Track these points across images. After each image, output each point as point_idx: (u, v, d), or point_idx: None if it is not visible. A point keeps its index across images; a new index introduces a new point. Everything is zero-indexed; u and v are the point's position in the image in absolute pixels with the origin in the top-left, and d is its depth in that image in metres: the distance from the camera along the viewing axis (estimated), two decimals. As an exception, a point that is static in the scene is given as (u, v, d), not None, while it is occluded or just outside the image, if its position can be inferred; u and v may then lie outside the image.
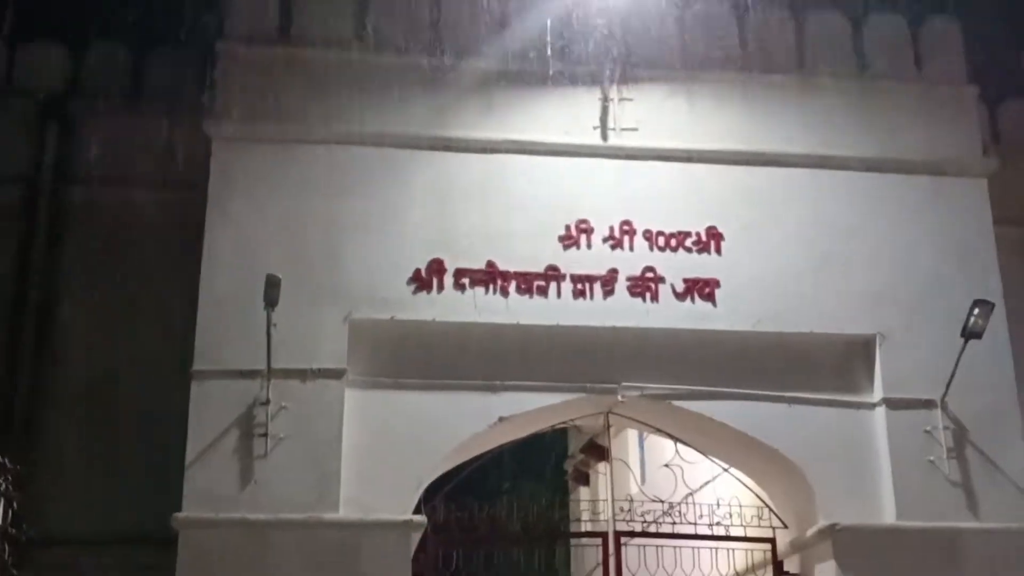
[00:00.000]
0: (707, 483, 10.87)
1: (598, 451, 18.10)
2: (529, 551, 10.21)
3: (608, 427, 10.22)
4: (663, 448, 12.33)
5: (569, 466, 19.30)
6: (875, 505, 9.56)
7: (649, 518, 10.07)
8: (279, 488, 8.97)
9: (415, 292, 9.59)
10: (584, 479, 18.17)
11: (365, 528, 8.97)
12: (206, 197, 9.59)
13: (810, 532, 9.62)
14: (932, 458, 9.56)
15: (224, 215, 9.56)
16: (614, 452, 15.16)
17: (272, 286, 8.65)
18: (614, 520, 9.96)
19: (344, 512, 9.00)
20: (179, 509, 8.82)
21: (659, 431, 10.37)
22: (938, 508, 9.45)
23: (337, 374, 9.29)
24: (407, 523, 9.07)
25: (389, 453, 9.27)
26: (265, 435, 9.04)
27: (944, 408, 9.66)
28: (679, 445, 10.37)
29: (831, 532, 9.37)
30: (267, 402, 9.11)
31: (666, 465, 10.34)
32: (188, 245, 9.54)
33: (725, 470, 10.45)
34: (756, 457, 10.04)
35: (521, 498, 10.09)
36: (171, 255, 10.03)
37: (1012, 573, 9.32)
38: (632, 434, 14.97)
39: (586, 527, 10.35)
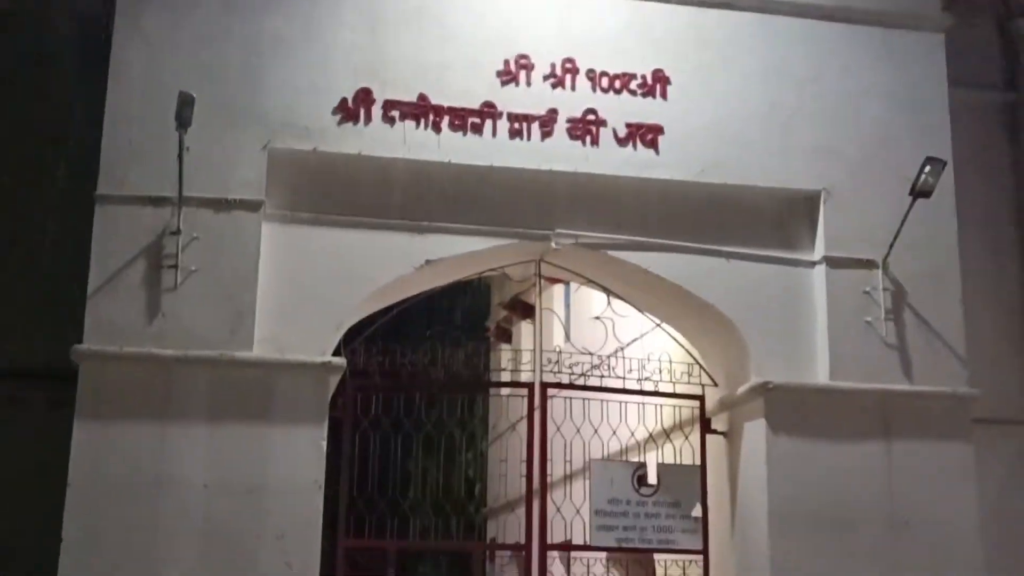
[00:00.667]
0: (637, 339, 10.57)
1: (522, 308, 17.83)
2: (452, 400, 9.85)
3: (539, 276, 9.77)
4: (592, 304, 12.01)
5: (492, 323, 19.01)
6: (808, 365, 9.32)
7: (577, 371, 9.74)
8: (189, 323, 8.43)
9: (340, 123, 8.95)
10: (506, 337, 17.89)
11: (280, 368, 8.50)
12: (114, 8, 8.80)
13: (741, 390, 9.39)
14: (869, 319, 9.32)
15: (135, 28, 8.78)
16: (539, 308, 14.97)
17: (185, 104, 7.95)
18: (540, 371, 9.61)
19: (258, 351, 8.50)
20: (80, 341, 8.25)
21: (591, 283, 9.97)
22: (872, 370, 9.25)
23: (254, 206, 8.67)
24: (325, 365, 8.61)
25: (308, 292, 8.76)
26: (175, 267, 8.44)
27: (885, 269, 9.39)
28: (611, 298, 10.00)
29: (763, 390, 9.14)
30: (177, 232, 8.48)
31: (597, 318, 9.98)
32: (93, 59, 8.75)
33: (657, 325, 10.13)
34: (690, 312, 9.73)
35: (445, 346, 9.61)
36: (74, 69, 9.23)
37: (942, 436, 9.21)
38: (558, 291, 14.62)
39: (512, 378, 10.03)
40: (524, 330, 17.14)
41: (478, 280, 21.73)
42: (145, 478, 8.16)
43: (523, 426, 9.66)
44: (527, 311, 17.77)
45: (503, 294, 18.98)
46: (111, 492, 8.09)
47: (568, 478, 9.58)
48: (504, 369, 10.26)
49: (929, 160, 8.93)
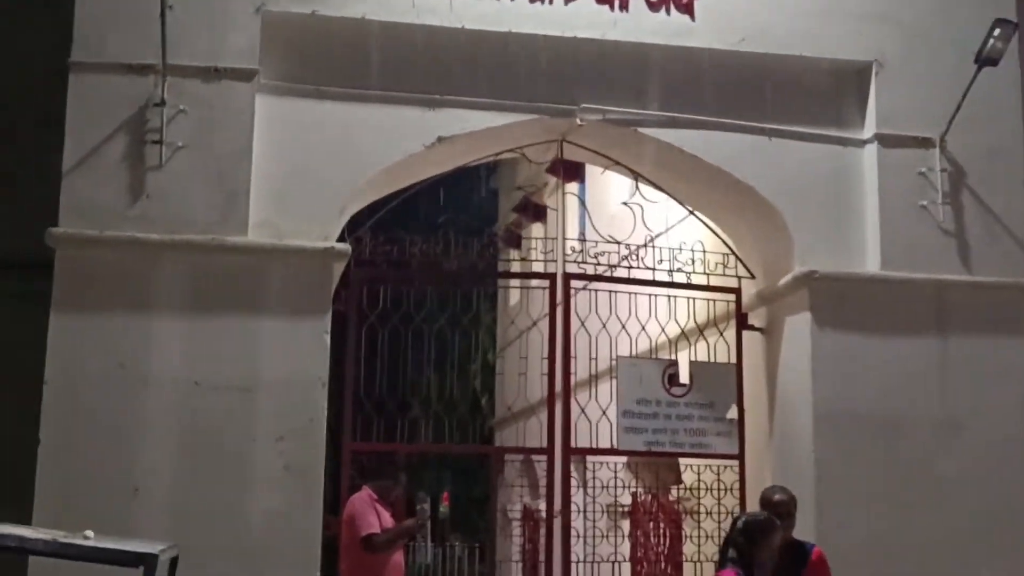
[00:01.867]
0: (669, 229, 9.74)
1: (533, 210, 17.01)
2: (466, 293, 9.06)
3: (561, 156, 8.92)
4: (614, 196, 11.18)
5: (500, 227, 18.20)
6: (857, 253, 8.51)
7: (603, 262, 8.92)
8: (176, 205, 7.61)
9: (343, -17, 8.04)
10: (516, 242, 17.09)
11: (278, 254, 7.70)
12: None
13: (783, 281, 8.58)
14: (924, 203, 8.47)
15: None
16: (554, 204, 14.14)
17: (166, -44, 7.05)
18: (563, 260, 8.81)
19: (253, 236, 7.70)
20: (55, 224, 7.45)
21: (617, 165, 9.10)
22: (926, 258, 8.44)
23: (246, 75, 7.80)
24: (327, 251, 7.80)
25: (308, 172, 7.93)
26: (159, 142, 7.60)
27: (942, 148, 8.53)
28: (639, 183, 9.15)
29: (807, 281, 8.34)
30: (162, 103, 7.62)
31: (624, 203, 9.13)
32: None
33: (690, 212, 9.30)
34: (727, 197, 8.89)
35: (458, 236, 8.77)
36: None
37: (1000, 329, 8.44)
38: (573, 191, 13.80)
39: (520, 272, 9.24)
40: (535, 232, 16.32)
41: (485, 183, 21.16)
42: (129, 375, 7.42)
43: (544, 323, 8.88)
44: (538, 213, 16.96)
45: (512, 198, 18.17)
46: (92, 390, 7.37)
47: (593, 379, 8.83)
48: (523, 259, 9.43)
49: (998, 22, 8.01)
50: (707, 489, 8.92)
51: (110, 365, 7.40)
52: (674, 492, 10.20)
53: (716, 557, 8.63)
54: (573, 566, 8.52)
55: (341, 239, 8.07)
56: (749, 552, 5.43)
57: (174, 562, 5.61)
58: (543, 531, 8.79)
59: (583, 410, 8.71)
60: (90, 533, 4.87)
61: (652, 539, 11.38)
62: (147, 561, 4.45)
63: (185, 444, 7.43)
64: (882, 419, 8.19)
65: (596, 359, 8.78)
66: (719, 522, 8.80)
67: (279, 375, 7.57)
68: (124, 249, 7.50)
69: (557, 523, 8.54)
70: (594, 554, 8.75)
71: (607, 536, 9.12)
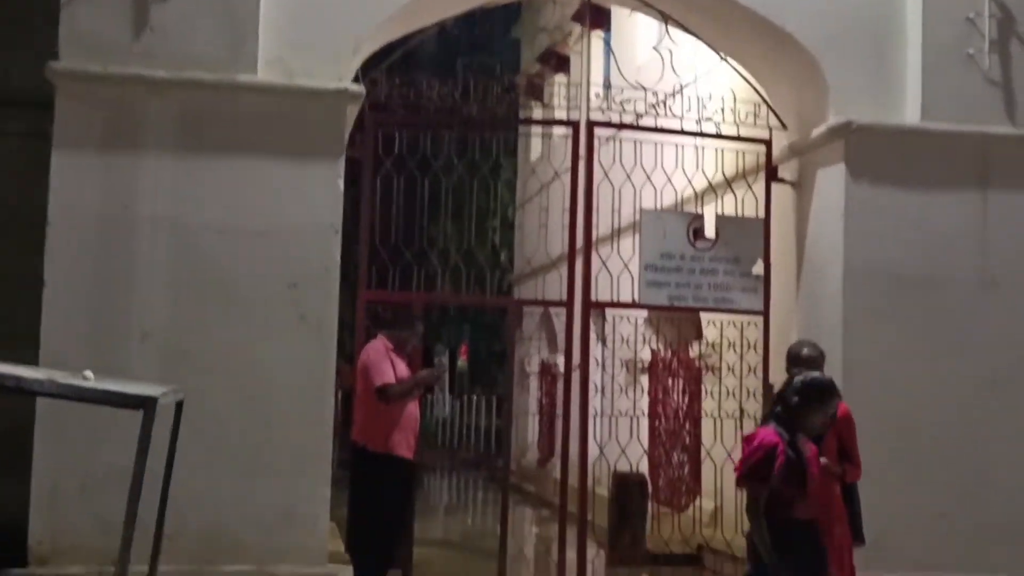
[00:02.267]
0: (698, 78, 9.29)
1: (556, 60, 16.48)
2: (486, 140, 8.70)
3: (589, -4, 8.46)
4: (640, 46, 10.71)
5: (522, 78, 17.67)
6: (897, 103, 8.10)
7: (629, 110, 8.53)
8: (183, 40, 7.25)
9: None
10: (538, 93, 16.60)
11: (289, 95, 7.37)
12: None
13: (817, 132, 8.20)
14: (970, 51, 8.01)
15: None
16: (577, 58, 13.65)
17: None
18: (588, 107, 8.42)
19: (264, 75, 7.36)
20: (56, 59, 7.11)
21: (646, 6, 8.61)
22: (971, 109, 8.02)
23: (255, -99, 7.33)
24: (341, 92, 7.45)
25: (322, 8, 7.52)
26: (164, -28, 7.19)
27: (992, -9, 8.03)
28: (668, 26, 8.69)
29: (843, 131, 7.96)
30: (166, -70, 7.18)
31: (654, 48, 8.68)
32: None
33: (721, 59, 8.85)
34: (760, 43, 8.43)
35: (479, 80, 8.36)
36: None
37: (1045, 186, 8.07)
38: (597, 43, 13.25)
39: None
40: (559, 82, 15.82)
41: (507, 31, 20.51)
42: (134, 216, 7.18)
43: (566, 175, 8.55)
44: (561, 64, 16.45)
45: (534, 48, 17.60)
46: (97, 232, 7.14)
47: (616, 232, 8.55)
48: (545, 105, 9.03)
49: None
50: (730, 345, 8.71)
51: (114, 206, 7.16)
52: (695, 348, 10.01)
53: (737, 414, 8.52)
54: (591, 420, 8.37)
55: (355, 80, 7.69)
56: (799, 414, 4.88)
57: (179, 407, 5.46)
58: (561, 385, 8.62)
59: (604, 263, 8.45)
60: (89, 374, 4.69)
61: (671, 395, 11.28)
62: (147, 404, 4.26)
63: (194, 290, 7.22)
64: (916, 277, 7.90)
65: (619, 212, 8.48)
66: (741, 379, 8.62)
67: (291, 221, 7.32)
68: (128, 86, 7.17)
69: (575, 377, 8.37)
70: (612, 408, 8.60)
71: (626, 391, 8.96)
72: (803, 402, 4.90)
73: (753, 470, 4.83)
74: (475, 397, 23.81)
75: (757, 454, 4.83)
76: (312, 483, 7.27)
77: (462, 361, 27.55)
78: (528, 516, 12.03)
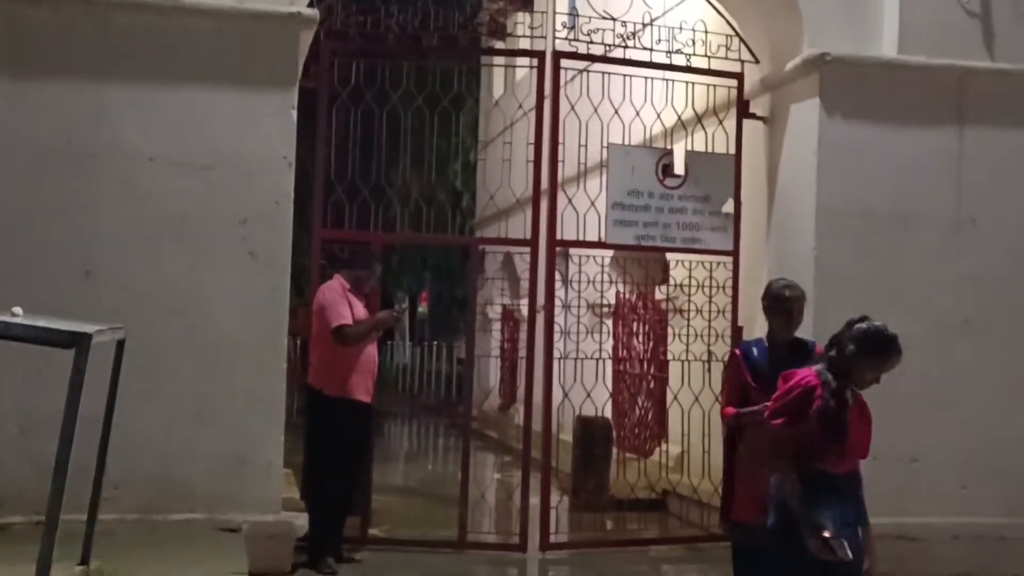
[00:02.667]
0: (669, 8, 8.95)
1: (519, -2, 16.06)
2: (447, 71, 8.33)
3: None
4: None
5: (483, 17, 17.21)
6: (873, 35, 7.80)
7: (596, 41, 8.18)
8: (126, -42, 6.81)
9: None
10: (501, 32, 16.16)
11: (238, 18, 6.97)
12: None
13: (791, 65, 7.91)
14: (950, -19, 7.74)
15: None
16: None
17: None
18: (553, 37, 8.06)
19: (212, -3, 6.94)
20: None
21: (616, -70, 8.26)
22: (948, 42, 7.76)
23: None
24: (294, 17, 7.05)
25: (272, -73, 7.09)
26: None
27: (974, -82, 7.74)
28: (638, -46, 8.35)
29: (818, 64, 7.67)
30: None
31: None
32: None
33: (691, -13, 8.53)
34: (734, -29, 8.11)
35: (440, 7, 7.97)
36: None
37: (1021, 120, 7.83)
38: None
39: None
40: (521, 20, 15.41)
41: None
42: (78, 148, 6.79)
43: (531, 110, 8.21)
44: (524, 2, 16.03)
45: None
46: (37, 164, 6.74)
47: (582, 171, 8.23)
48: (509, 35, 8.66)
49: None
50: (698, 287, 8.45)
51: (56, 138, 6.76)
52: (661, 290, 9.76)
53: (705, 357, 8.28)
54: (556, 363, 8.11)
55: (310, 5, 7.30)
56: (853, 363, 4.38)
57: (120, 346, 5.13)
58: (524, 330, 8.34)
59: (570, 201, 8.14)
60: (18, 310, 4.35)
61: (637, 338, 11.05)
62: (79, 341, 3.93)
63: (140, 225, 6.85)
64: (892, 213, 7.68)
65: (586, 148, 8.16)
66: (709, 321, 8.38)
67: (241, 152, 6.95)
68: (64, 8, 6.75)
69: (540, 319, 8.09)
70: (577, 351, 8.34)
71: (591, 334, 8.70)
72: (860, 352, 4.34)
73: (786, 409, 4.41)
74: (436, 344, 23.53)
75: (793, 393, 4.41)
76: (265, 427, 6.97)
77: (423, 308, 27.21)
78: (490, 462, 11.82)
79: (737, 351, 5.33)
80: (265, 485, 6.94)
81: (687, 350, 8.45)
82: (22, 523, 6.49)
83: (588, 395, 8.26)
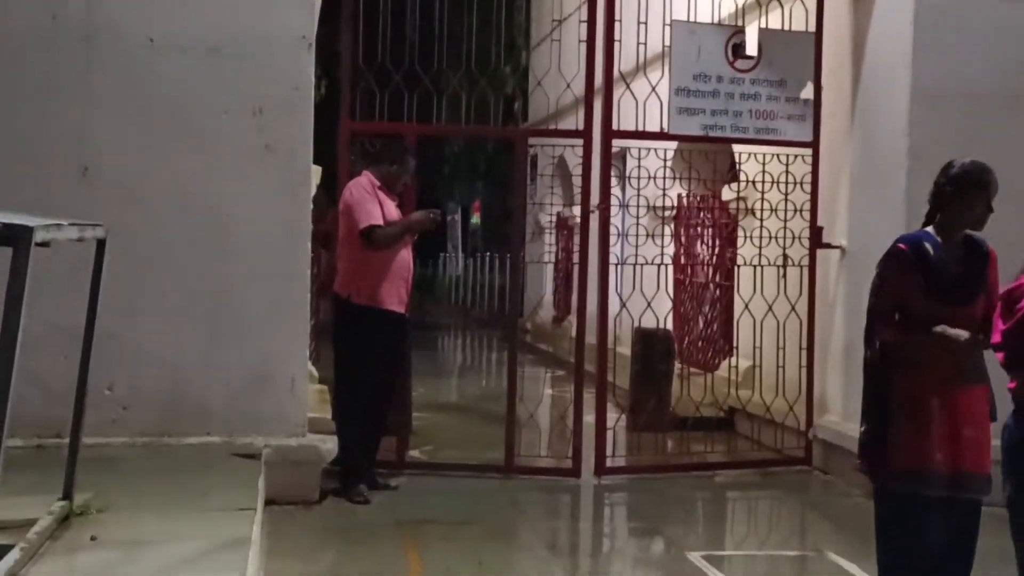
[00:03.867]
0: None
1: None
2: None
3: None
4: None
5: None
6: None
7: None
8: None
9: None
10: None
11: None
12: None
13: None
14: None
15: None
16: None
17: None
18: (609, -102, 7.08)
19: None
20: None
21: None
22: None
23: None
24: None
25: None
26: None
27: None
28: None
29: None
30: None
31: None
32: None
33: None
34: None
35: None
36: None
37: None
38: None
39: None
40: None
41: None
42: (67, 29, 6.01)
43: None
44: None
45: None
46: (21, 47, 5.97)
47: (642, 54, 7.30)
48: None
49: None
50: (773, 182, 7.54)
51: (41, 16, 5.96)
52: (730, 188, 8.83)
53: (780, 261, 7.43)
54: (612, 269, 7.28)
55: None
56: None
57: (101, 246, 4.39)
58: (578, 238, 7.52)
59: (628, 86, 7.24)
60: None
61: (701, 242, 10.16)
62: (17, 237, 3.15)
63: (142, 116, 6.08)
64: (998, 98, 6.68)
65: (646, 25, 7.22)
66: (785, 220, 7.48)
67: (254, 32, 6.14)
68: None
69: (594, 221, 7.23)
70: (636, 255, 7.48)
71: (652, 237, 7.84)
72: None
73: None
74: (488, 255, 22.78)
75: None
76: (287, 340, 6.25)
77: (475, 217, 26.45)
78: (542, 378, 11.06)
79: (902, 246, 3.93)
80: (288, 404, 6.24)
81: (759, 254, 7.57)
82: (20, 447, 5.86)
83: (648, 305, 7.43)
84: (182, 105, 6.09)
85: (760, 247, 7.54)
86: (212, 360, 6.16)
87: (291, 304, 6.26)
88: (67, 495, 4.40)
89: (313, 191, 8.46)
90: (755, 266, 7.58)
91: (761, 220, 7.57)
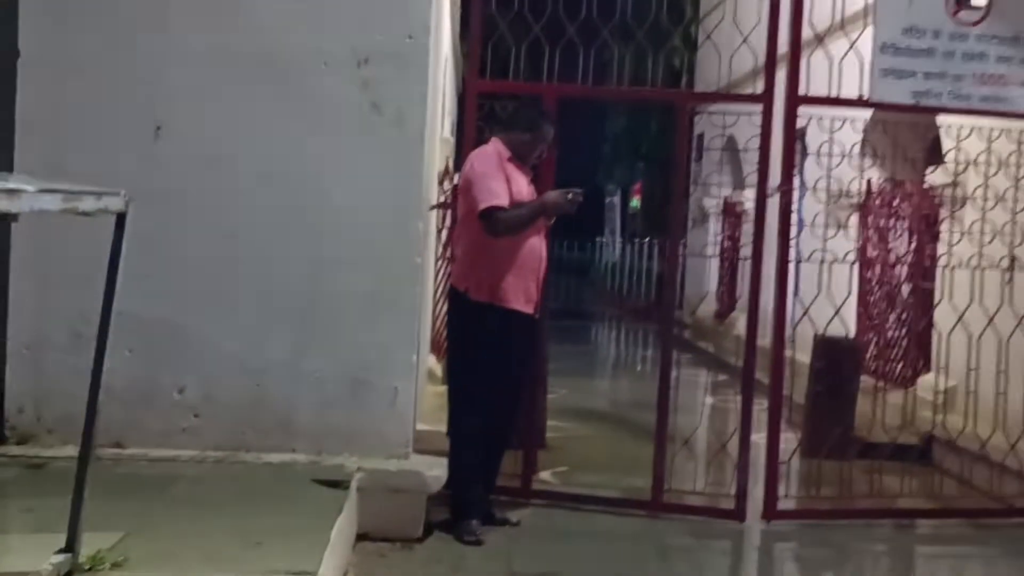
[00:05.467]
0: None
1: None
2: None
3: None
4: None
5: None
6: None
7: None
8: None
9: None
10: None
11: None
12: None
13: None
14: None
15: None
16: None
17: None
18: None
19: None
20: None
21: None
22: None
23: None
24: None
25: None
26: None
27: None
28: None
29: None
30: None
31: None
32: None
33: None
34: None
35: None
36: None
37: None
38: None
39: None
40: None
41: None
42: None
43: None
44: None
45: None
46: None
47: (839, 9, 5.92)
48: None
49: None
50: (1000, 165, 6.06)
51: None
52: (934, 172, 7.33)
53: (1007, 262, 5.96)
54: (791, 266, 5.93)
55: None
56: None
57: (121, 220, 3.36)
58: (750, 221, 6.20)
59: (821, 41, 5.87)
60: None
61: (901, 235, 8.66)
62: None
63: (221, 65, 5.07)
64: None
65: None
66: (1013, 212, 6.00)
67: (358, -34, 5.04)
68: None
69: (772, 206, 5.88)
70: (824, 251, 6.10)
71: (844, 227, 6.45)
72: None
73: None
74: (648, 241, 21.44)
75: None
76: (390, 342, 5.18)
77: (635, 201, 25.08)
78: (702, 383, 9.74)
79: None
80: (389, 420, 5.17)
81: (979, 254, 6.10)
82: (68, 458, 4.93)
83: (837, 312, 6.05)
84: (270, 54, 5.07)
85: (980, 245, 6.06)
86: (300, 363, 5.12)
87: (395, 299, 5.18)
88: (70, 546, 3.38)
89: (441, 165, 7.38)
90: (973, 268, 6.11)
91: (983, 211, 6.09)
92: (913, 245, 8.46)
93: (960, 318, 6.08)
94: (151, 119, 5.07)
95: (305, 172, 5.10)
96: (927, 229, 8.04)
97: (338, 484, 4.76)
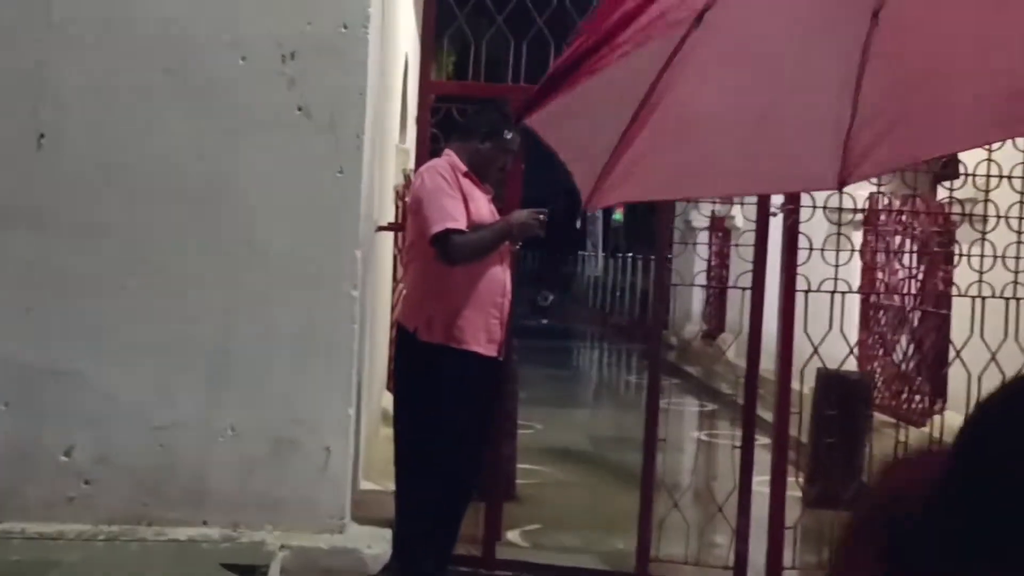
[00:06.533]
0: None
1: None
2: None
3: None
4: None
5: None
6: None
7: None
8: None
9: None
10: None
11: None
12: None
13: None
14: None
15: None
16: None
17: None
18: None
19: None
20: None
21: None
22: None
23: None
24: None
25: None
26: None
27: None
28: None
29: None
30: None
31: None
32: None
33: None
34: None
35: None
36: None
37: None
38: None
39: None
40: None
41: None
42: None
43: None
44: None
45: None
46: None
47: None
48: None
49: None
50: (999, 178, 5.26)
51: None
52: (943, 187, 6.50)
53: (1011, 291, 5.16)
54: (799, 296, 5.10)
55: None
56: None
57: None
58: (740, 239, 5.39)
59: None
60: None
61: (904, 260, 7.88)
62: None
63: (118, 59, 4.22)
64: None
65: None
66: (1020, 233, 5.19)
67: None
68: None
69: (775, 226, 5.07)
70: (836, 278, 5.25)
71: (855, 250, 5.63)
72: None
73: None
74: (632, 256, 20.66)
75: None
76: (321, 393, 4.31)
77: (618, 214, 24.29)
78: (688, 415, 8.93)
79: None
80: (320, 485, 4.30)
81: (1015, 279, 5.27)
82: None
83: (852, 350, 5.23)
84: (176, 47, 4.20)
85: (1016, 270, 5.23)
86: (214, 418, 4.26)
87: (330, 339, 4.32)
88: None
89: (400, 178, 6.59)
90: (1008, 299, 5.26)
91: (983, 233, 5.23)
92: (920, 269, 7.66)
93: (993, 356, 5.23)
94: (32, 126, 4.21)
95: (219, 187, 4.24)
96: (939, 252, 7.23)
97: (254, 570, 3.90)
